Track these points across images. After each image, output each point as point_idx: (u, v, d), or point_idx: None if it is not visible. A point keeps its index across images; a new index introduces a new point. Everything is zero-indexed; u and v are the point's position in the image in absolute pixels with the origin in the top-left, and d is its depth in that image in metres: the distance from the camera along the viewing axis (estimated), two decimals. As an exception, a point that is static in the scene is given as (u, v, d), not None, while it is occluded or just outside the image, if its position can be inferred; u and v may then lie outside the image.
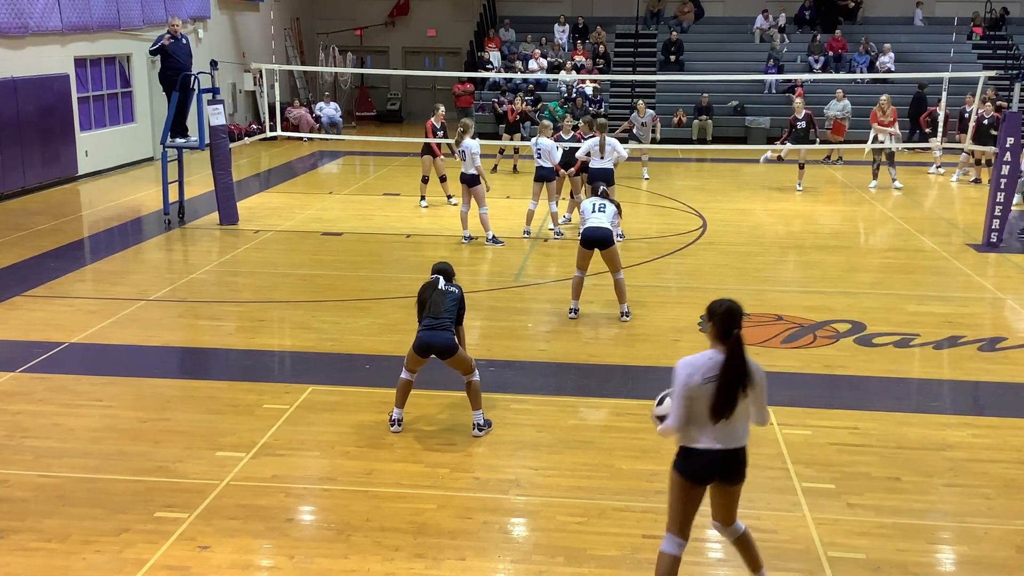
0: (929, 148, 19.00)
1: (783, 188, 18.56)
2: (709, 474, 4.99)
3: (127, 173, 19.90)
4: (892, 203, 17.06)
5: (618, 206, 10.16)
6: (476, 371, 7.36)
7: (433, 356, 7.24)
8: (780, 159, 18.71)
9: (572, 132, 15.07)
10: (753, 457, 6.99)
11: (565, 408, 7.90)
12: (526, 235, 13.98)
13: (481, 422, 7.37)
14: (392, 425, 7.39)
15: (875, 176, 18.50)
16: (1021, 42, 26.45)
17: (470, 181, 13.32)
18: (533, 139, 14.44)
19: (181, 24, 14.76)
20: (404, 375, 7.40)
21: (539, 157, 13.87)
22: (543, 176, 13.88)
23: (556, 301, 10.80)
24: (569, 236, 14.14)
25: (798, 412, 7.84)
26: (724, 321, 4.77)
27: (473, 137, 13.48)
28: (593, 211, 9.95)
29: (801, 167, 18.35)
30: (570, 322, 10.13)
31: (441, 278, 7.35)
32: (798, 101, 18.64)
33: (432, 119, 16.31)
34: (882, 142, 18.04)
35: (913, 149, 20.77)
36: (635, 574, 5.53)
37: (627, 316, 10.12)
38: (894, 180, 18.24)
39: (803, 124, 18.23)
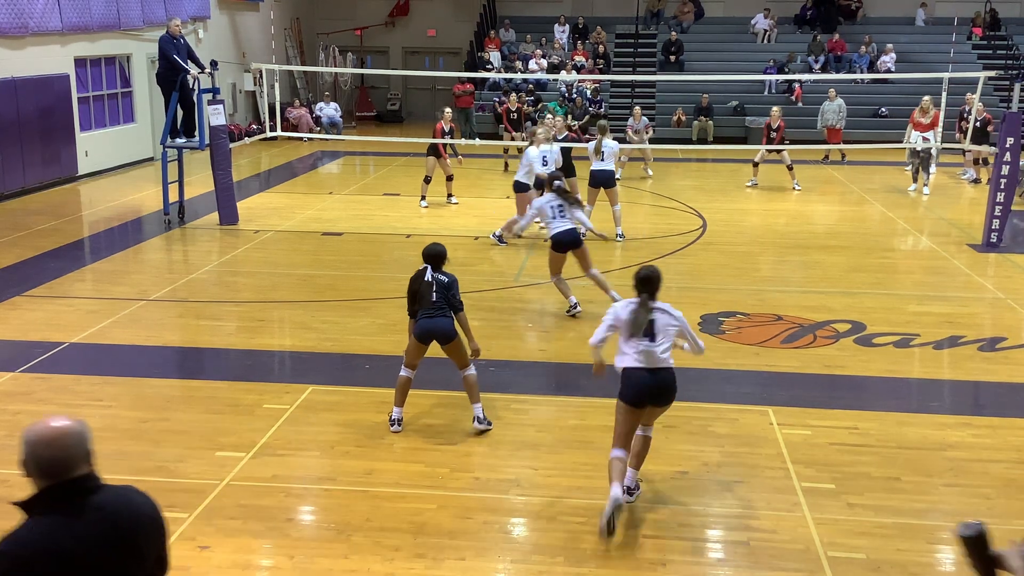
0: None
1: (783, 188, 18.56)
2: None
3: (127, 173, 19.90)
4: (892, 203, 17.06)
5: (577, 201, 10.18)
6: (472, 366, 7.39)
7: (429, 355, 7.26)
8: (755, 164, 18.71)
9: (566, 132, 15.04)
10: (753, 457, 7.04)
11: (565, 408, 7.90)
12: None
13: (481, 415, 7.40)
14: (392, 425, 7.39)
15: (915, 179, 18.24)
16: (1021, 42, 26.46)
17: (520, 188, 13.37)
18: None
19: (181, 25, 14.75)
20: (404, 372, 7.40)
21: (545, 164, 13.74)
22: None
23: (556, 301, 10.80)
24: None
25: (798, 412, 7.85)
26: (635, 286, 6.21)
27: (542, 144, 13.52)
28: (553, 216, 10.01)
29: (789, 168, 18.38)
30: (570, 322, 10.13)
31: (429, 268, 7.30)
32: (775, 111, 18.63)
33: (441, 122, 16.34)
34: (914, 143, 17.93)
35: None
36: (635, 574, 5.53)
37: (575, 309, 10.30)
38: (925, 184, 18.11)
39: (775, 134, 18.32)
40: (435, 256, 7.32)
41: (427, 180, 16.39)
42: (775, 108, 18.78)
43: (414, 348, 7.33)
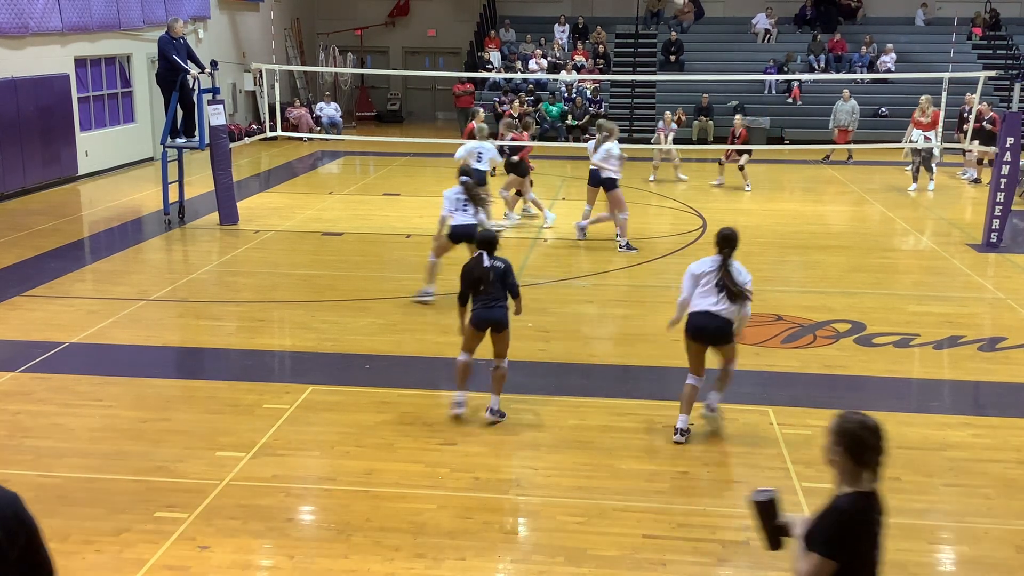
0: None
1: (783, 188, 18.56)
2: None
3: (127, 173, 19.90)
4: (892, 203, 17.06)
5: (485, 201, 10.41)
6: (507, 360, 7.56)
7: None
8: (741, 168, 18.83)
9: (511, 135, 15.06)
10: (753, 457, 7.05)
11: (565, 408, 7.89)
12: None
13: (496, 407, 7.51)
14: (455, 408, 7.50)
15: (915, 179, 18.38)
16: (1021, 42, 26.46)
17: (608, 184, 13.35)
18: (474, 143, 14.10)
19: (182, 25, 14.74)
20: (462, 357, 7.52)
21: (479, 160, 13.71)
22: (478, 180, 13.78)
23: (556, 301, 10.80)
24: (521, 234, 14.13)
25: (798, 412, 7.85)
26: (716, 242, 7.27)
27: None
28: (456, 208, 10.27)
29: (740, 168, 18.48)
30: (570, 322, 10.13)
31: (485, 254, 7.41)
32: (737, 119, 18.68)
33: (472, 122, 16.20)
34: (915, 142, 17.93)
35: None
36: (635, 574, 5.53)
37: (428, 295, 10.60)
38: (931, 181, 18.28)
39: (739, 142, 18.30)
40: (490, 242, 7.47)
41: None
42: (737, 118, 18.88)
43: (471, 335, 7.48)
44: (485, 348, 9.37)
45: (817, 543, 3.46)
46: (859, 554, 3.48)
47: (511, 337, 7.59)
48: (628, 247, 13.20)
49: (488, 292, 7.33)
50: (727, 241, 7.24)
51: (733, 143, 18.53)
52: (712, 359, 7.38)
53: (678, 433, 7.17)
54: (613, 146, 13.26)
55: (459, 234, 10.26)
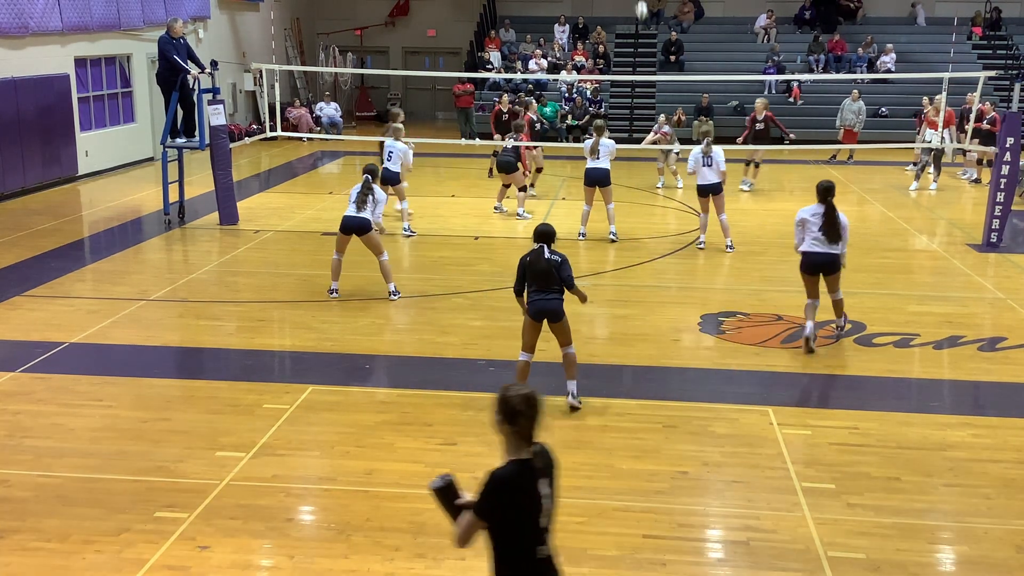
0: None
1: (783, 188, 18.54)
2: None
3: (127, 173, 19.89)
4: (892, 203, 17.05)
5: (373, 203, 10.65)
6: (573, 344, 7.73)
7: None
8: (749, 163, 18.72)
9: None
10: (753, 457, 7.05)
11: (565, 408, 7.88)
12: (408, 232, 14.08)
13: (575, 391, 7.71)
14: None
15: (917, 178, 18.44)
16: (1021, 42, 26.46)
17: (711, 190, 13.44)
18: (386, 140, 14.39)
19: (182, 25, 14.74)
20: (523, 357, 7.68)
21: (388, 159, 13.93)
22: (389, 179, 13.84)
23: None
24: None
25: (798, 412, 7.85)
26: (818, 192, 9.16)
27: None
28: (352, 200, 10.64)
29: (756, 165, 18.34)
30: (570, 322, 10.09)
31: (545, 247, 7.55)
32: (759, 102, 18.51)
33: (529, 113, 16.09)
34: (929, 141, 17.93)
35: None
36: (635, 574, 5.53)
37: (395, 295, 10.87)
38: (934, 181, 18.34)
39: (761, 126, 18.05)
40: (549, 235, 7.63)
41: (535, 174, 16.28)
42: (759, 100, 18.62)
43: (530, 328, 7.62)
44: (484, 350, 9.40)
45: (474, 505, 3.72)
46: (513, 521, 3.72)
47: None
48: (730, 246, 13.39)
49: (546, 284, 7.49)
50: (828, 191, 9.02)
51: (755, 131, 17.99)
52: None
53: (807, 343, 9.02)
54: (720, 151, 13.39)
55: (345, 225, 10.66)
